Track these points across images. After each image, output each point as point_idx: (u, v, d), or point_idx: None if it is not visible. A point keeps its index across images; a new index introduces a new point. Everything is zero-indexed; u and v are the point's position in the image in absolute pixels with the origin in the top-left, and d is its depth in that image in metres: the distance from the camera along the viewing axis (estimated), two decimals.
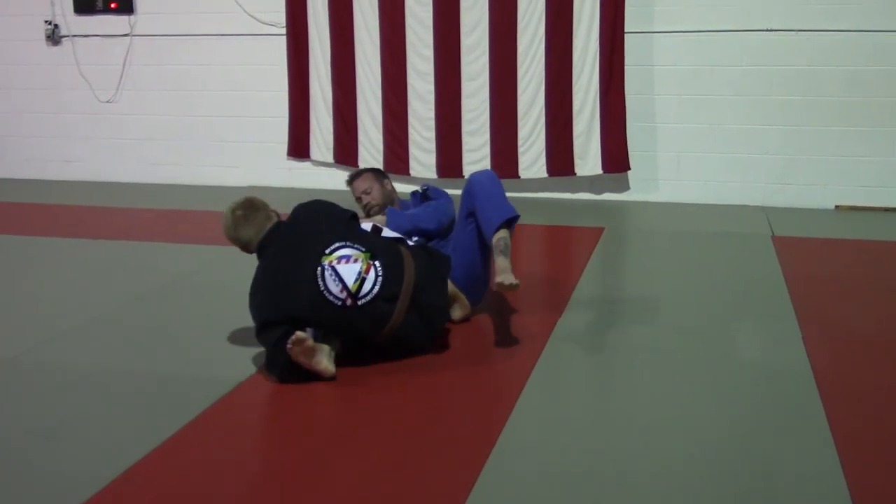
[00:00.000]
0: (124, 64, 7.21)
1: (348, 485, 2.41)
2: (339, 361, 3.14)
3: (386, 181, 4.14)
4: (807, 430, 2.73)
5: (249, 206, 3.26)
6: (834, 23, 5.89)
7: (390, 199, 4.09)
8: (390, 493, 2.37)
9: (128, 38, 7.16)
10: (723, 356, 3.36)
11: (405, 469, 2.52)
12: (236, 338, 3.55)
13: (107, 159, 7.44)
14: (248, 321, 3.49)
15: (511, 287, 3.25)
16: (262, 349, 3.22)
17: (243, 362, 3.25)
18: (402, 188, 6.72)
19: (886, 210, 6.05)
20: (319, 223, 3.24)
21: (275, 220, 3.28)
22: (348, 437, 2.71)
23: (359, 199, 4.09)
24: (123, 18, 7.12)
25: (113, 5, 7.09)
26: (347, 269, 3.07)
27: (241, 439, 2.78)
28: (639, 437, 2.70)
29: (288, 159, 7.01)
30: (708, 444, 2.65)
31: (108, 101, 7.32)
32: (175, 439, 2.69)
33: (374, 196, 4.04)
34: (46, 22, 7.26)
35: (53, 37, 7.27)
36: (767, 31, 6.00)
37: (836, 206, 6.15)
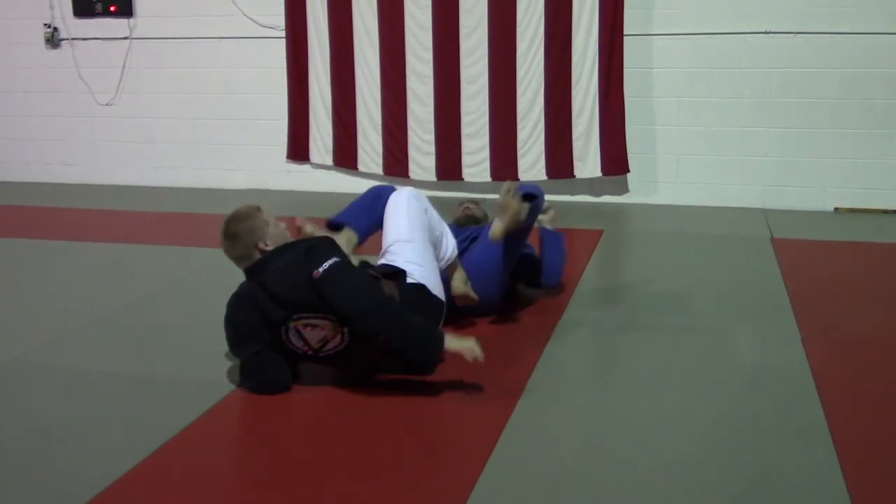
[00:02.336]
0: (123, 67, 7.21)
1: (347, 487, 2.41)
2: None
3: None
4: (806, 431, 2.74)
5: (230, 235, 3.10)
6: (832, 25, 5.90)
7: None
8: (389, 496, 2.38)
9: (127, 42, 7.17)
10: (722, 358, 3.37)
11: (404, 472, 2.52)
12: None
13: (107, 162, 7.46)
14: None
15: None
16: None
17: None
18: None
19: (885, 212, 6.06)
20: (290, 291, 2.99)
21: (255, 257, 3.08)
22: (347, 440, 2.71)
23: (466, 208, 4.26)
24: (122, 21, 7.13)
25: (112, 8, 7.11)
26: (312, 333, 3.01)
27: (239, 442, 2.78)
28: (638, 438, 2.71)
29: (287, 162, 7.02)
30: (707, 445, 2.66)
31: (107, 104, 7.33)
32: (174, 442, 2.69)
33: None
34: (46, 25, 7.27)
35: (53, 40, 7.28)
36: (766, 33, 6.01)
37: (835, 209, 6.16)
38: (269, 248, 3.09)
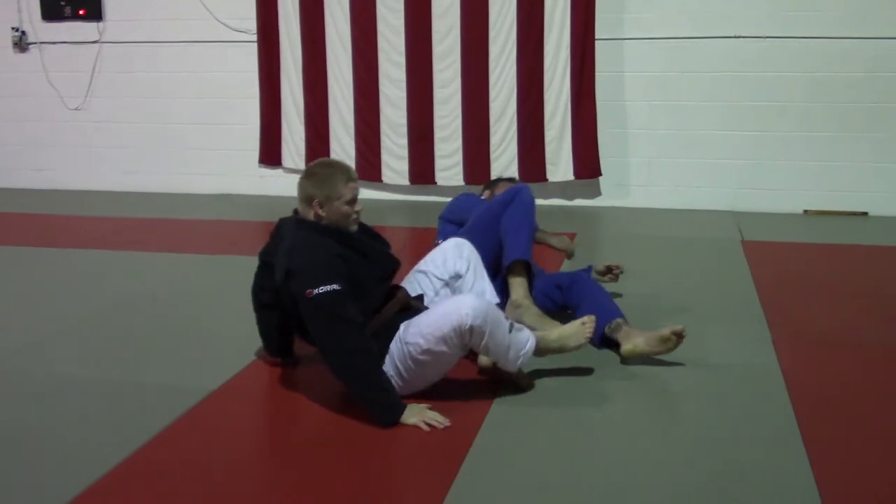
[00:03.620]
0: (93, 71, 7.15)
1: (325, 492, 2.41)
2: (319, 365, 3.13)
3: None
4: (776, 429, 2.76)
5: (307, 174, 2.99)
6: (801, 30, 5.97)
7: None
8: (368, 499, 2.37)
9: (97, 45, 7.11)
10: (694, 359, 3.39)
11: (383, 475, 2.52)
12: (209, 346, 3.53)
13: (77, 167, 7.38)
14: (222, 329, 3.50)
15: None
16: (238, 357, 3.27)
17: (216, 371, 3.23)
18: (376, 195, 6.73)
19: (854, 214, 6.14)
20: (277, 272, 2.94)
21: (308, 212, 2.98)
22: (323, 445, 2.70)
23: None
24: (92, 25, 7.07)
25: (81, 12, 7.04)
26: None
27: (213, 447, 2.76)
28: (611, 439, 2.72)
29: (260, 166, 6.99)
30: (678, 445, 2.68)
31: (76, 109, 7.26)
32: (148, 448, 2.67)
33: None
34: (13, 29, 7.20)
35: (21, 44, 7.20)
36: (736, 37, 6.07)
37: (805, 211, 6.23)
38: (322, 214, 2.95)
